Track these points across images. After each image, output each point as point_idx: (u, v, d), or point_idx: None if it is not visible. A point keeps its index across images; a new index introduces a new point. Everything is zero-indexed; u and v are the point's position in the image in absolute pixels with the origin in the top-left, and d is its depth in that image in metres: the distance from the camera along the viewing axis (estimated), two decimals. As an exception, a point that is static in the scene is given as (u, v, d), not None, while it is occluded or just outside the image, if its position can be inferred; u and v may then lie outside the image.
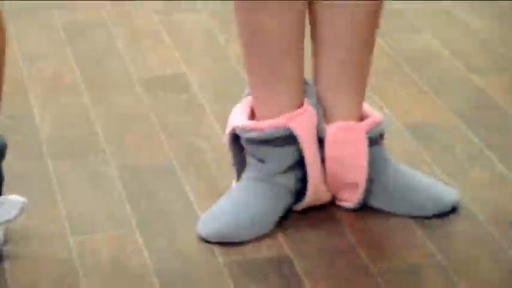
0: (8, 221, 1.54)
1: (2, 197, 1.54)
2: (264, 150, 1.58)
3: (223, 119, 1.76)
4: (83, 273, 1.50)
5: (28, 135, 1.96)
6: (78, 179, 1.80)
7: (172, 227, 1.63)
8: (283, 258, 1.53)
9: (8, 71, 2.03)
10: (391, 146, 1.76)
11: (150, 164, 1.85)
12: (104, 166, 1.84)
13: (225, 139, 1.64)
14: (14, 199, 1.54)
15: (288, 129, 1.57)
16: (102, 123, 2.01)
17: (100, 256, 1.55)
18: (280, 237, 1.58)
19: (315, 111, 1.60)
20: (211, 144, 1.91)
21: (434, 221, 1.61)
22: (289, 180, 1.59)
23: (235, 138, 1.61)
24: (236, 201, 1.59)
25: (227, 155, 1.68)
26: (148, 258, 1.53)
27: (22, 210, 1.54)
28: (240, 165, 1.64)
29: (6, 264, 1.53)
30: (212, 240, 1.55)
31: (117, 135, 1.96)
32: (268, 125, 1.57)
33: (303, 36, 1.60)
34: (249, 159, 1.61)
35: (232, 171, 1.68)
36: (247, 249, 1.55)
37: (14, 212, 1.53)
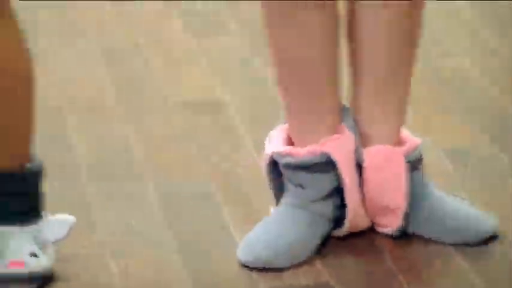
0: (58, 240, 1.55)
1: (50, 216, 1.56)
2: (301, 176, 1.58)
3: (260, 143, 1.76)
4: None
5: (65, 158, 1.97)
6: (115, 202, 1.81)
7: (210, 250, 1.63)
8: (321, 285, 1.53)
9: (45, 92, 2.07)
10: (429, 171, 1.75)
11: (187, 187, 1.86)
12: (141, 189, 1.85)
13: (263, 164, 1.64)
14: (63, 218, 1.57)
15: (325, 154, 1.56)
16: (139, 146, 2.02)
17: (140, 279, 1.55)
18: (319, 263, 1.57)
19: (352, 135, 1.59)
20: (247, 167, 1.92)
21: (474, 248, 1.60)
22: (327, 208, 1.59)
23: (273, 163, 1.61)
24: (275, 227, 1.59)
25: (263, 179, 1.67)
26: (186, 281, 1.54)
27: (71, 229, 1.55)
28: (278, 190, 1.64)
29: (49, 287, 1.54)
30: (251, 266, 1.55)
31: (154, 158, 1.97)
32: (306, 151, 1.57)
33: (337, 60, 1.60)
34: (288, 185, 1.61)
35: (269, 195, 1.68)
36: (286, 275, 1.55)
37: (63, 231, 1.56)
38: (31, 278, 1.53)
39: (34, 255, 1.53)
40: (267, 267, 1.55)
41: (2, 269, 1.53)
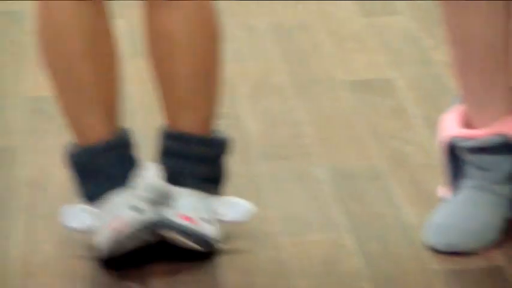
0: (233, 221, 1.60)
1: (231, 197, 1.61)
2: (482, 159, 1.57)
3: (429, 122, 1.74)
4: (295, 274, 1.53)
5: (235, 135, 2.01)
6: (286, 181, 1.83)
7: (383, 231, 1.63)
8: (497, 269, 1.51)
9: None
10: None
11: (357, 166, 1.86)
12: (311, 167, 1.87)
13: (440, 148, 1.64)
14: (246, 205, 1.61)
15: (505, 136, 1.55)
16: (309, 124, 2.05)
17: (312, 258, 1.57)
18: (494, 247, 1.55)
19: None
20: (417, 148, 1.91)
21: None
22: (510, 189, 1.58)
23: (449, 147, 1.61)
24: (460, 211, 1.58)
25: (433, 160, 1.66)
26: (360, 262, 1.54)
27: (246, 216, 1.60)
28: (453, 173, 1.63)
29: (220, 261, 1.58)
30: (442, 250, 1.55)
31: (324, 137, 1.99)
32: (485, 132, 1.56)
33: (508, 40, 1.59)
34: (468, 168, 1.60)
35: (439, 176, 1.68)
36: (459, 258, 1.54)
37: (241, 216, 1.60)
38: (197, 238, 1.55)
39: (206, 221, 1.57)
40: (459, 251, 1.55)
41: (172, 216, 1.55)
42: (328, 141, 1.97)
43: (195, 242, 1.55)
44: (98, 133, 1.57)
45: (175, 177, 1.59)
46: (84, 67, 1.58)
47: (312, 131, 2.02)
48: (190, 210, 1.56)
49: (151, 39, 1.60)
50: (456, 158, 1.60)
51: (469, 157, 1.58)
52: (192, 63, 1.59)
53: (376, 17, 2.55)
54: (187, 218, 1.55)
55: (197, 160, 1.59)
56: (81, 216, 1.60)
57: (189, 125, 1.59)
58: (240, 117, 2.11)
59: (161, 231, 1.56)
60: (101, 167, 1.59)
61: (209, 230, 1.57)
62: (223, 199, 1.62)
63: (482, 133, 1.56)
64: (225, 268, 1.56)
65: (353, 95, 2.16)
